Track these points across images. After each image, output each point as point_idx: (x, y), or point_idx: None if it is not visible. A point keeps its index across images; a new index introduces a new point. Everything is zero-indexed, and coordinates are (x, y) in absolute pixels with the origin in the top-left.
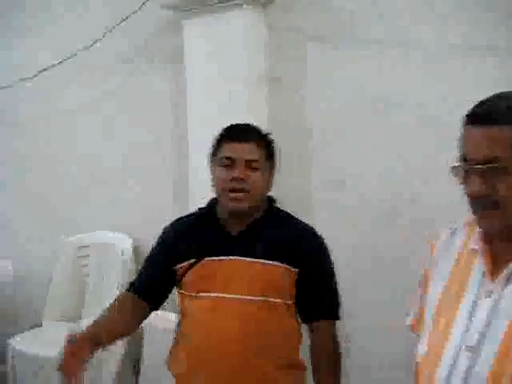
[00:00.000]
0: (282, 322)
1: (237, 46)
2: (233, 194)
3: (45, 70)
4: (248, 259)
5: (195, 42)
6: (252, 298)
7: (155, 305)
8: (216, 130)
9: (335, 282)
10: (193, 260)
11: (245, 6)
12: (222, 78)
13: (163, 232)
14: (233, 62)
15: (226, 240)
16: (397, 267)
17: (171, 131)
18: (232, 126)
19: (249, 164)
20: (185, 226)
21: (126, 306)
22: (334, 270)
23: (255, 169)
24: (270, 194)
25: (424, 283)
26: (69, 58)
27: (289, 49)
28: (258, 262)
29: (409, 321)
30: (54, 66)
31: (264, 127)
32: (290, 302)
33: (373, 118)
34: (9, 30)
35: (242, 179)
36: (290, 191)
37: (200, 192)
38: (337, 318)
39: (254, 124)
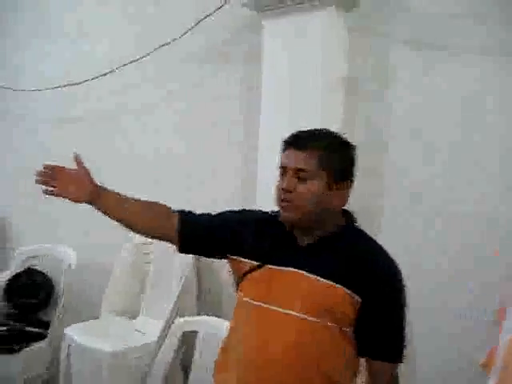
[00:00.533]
0: (336, 347)
1: (315, 49)
2: (282, 204)
3: (124, 65)
4: (309, 275)
5: (273, 43)
6: (304, 316)
7: (183, 245)
8: (286, 134)
9: (403, 320)
10: (256, 263)
11: (327, 8)
12: (297, 80)
13: (250, 212)
14: (310, 64)
15: (293, 250)
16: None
17: (242, 132)
18: (295, 132)
19: (298, 174)
20: (264, 222)
21: (161, 212)
22: (405, 305)
23: (304, 179)
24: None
25: (499, 322)
26: (145, 55)
27: (369, 53)
28: (318, 281)
29: (481, 360)
30: (131, 62)
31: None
32: (347, 329)
33: (459, 127)
34: (85, 25)
35: (288, 190)
36: (361, 204)
37: (268, 196)
38: (397, 361)
39: (328, 129)
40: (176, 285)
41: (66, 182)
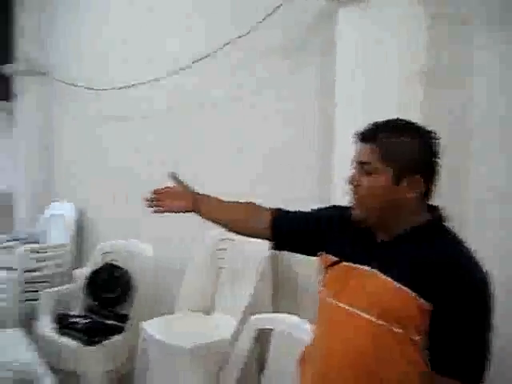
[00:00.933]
0: (399, 354)
1: (393, 38)
2: (351, 200)
3: (199, 60)
4: (381, 275)
5: (348, 33)
6: (368, 316)
7: (277, 241)
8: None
9: (484, 337)
10: (335, 259)
11: None
12: (374, 71)
13: (338, 208)
14: (387, 54)
15: (369, 247)
16: None
17: (316, 127)
18: (369, 124)
19: (363, 168)
20: (347, 218)
21: (255, 211)
22: (489, 321)
23: (368, 173)
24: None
25: None
26: (220, 48)
27: (452, 43)
28: (388, 282)
29: None
30: (207, 56)
31: None
32: (416, 338)
33: None
34: (157, 23)
35: (352, 183)
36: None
37: (345, 194)
38: (468, 382)
39: (404, 120)
40: (251, 281)
41: (170, 199)
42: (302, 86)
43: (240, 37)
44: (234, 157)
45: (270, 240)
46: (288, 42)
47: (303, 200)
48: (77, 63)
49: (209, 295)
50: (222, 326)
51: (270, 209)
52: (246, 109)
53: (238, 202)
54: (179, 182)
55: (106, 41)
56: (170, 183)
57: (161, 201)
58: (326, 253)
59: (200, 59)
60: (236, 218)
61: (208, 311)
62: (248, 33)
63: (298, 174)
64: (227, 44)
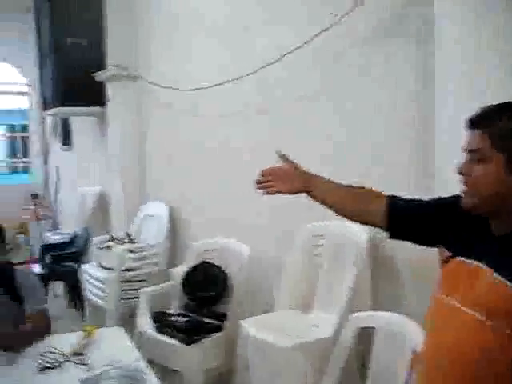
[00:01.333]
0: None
1: (498, 20)
2: (462, 189)
3: (288, 53)
4: (493, 274)
5: (450, 16)
6: (474, 314)
7: (392, 230)
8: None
9: None
10: (449, 253)
11: None
12: (478, 60)
13: (454, 197)
14: (491, 39)
15: (485, 241)
16: None
17: (415, 118)
18: (478, 110)
19: (473, 156)
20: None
21: (369, 196)
22: None
23: (479, 161)
24: None
25: None
26: (309, 40)
27: None
28: (500, 282)
29: None
30: (297, 48)
31: None
32: None
33: None
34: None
35: (462, 173)
36: None
37: (449, 185)
38: None
39: None
40: (349, 276)
41: (279, 179)
42: (397, 75)
43: (326, 30)
44: (338, 149)
45: (383, 227)
46: (380, 30)
47: (400, 192)
48: (164, 65)
49: (307, 292)
50: (321, 323)
51: (387, 195)
52: (339, 100)
53: (351, 185)
54: (288, 161)
55: (191, 40)
56: (278, 163)
57: (270, 182)
58: (443, 245)
59: (290, 52)
60: (350, 202)
61: (307, 308)
62: (338, 22)
63: (397, 167)
64: (316, 36)
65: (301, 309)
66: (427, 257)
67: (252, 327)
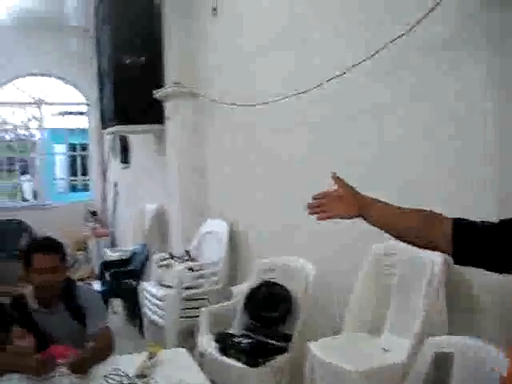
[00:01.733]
0: None
1: None
2: None
3: (356, 65)
4: None
5: None
6: None
7: (458, 255)
8: None
9: None
10: None
11: None
12: None
13: None
14: None
15: None
16: None
17: (487, 129)
18: None
19: None
20: None
21: (432, 219)
22: None
23: None
24: None
25: None
26: (375, 52)
27: None
28: None
29: None
30: (364, 60)
31: None
32: None
33: None
34: (303, 33)
35: None
36: None
37: None
38: None
39: None
40: (422, 298)
41: (334, 203)
42: (468, 82)
43: (397, 38)
44: (390, 159)
45: (449, 253)
46: (454, 37)
47: (476, 205)
48: (221, 81)
49: (377, 314)
50: (393, 347)
51: (452, 218)
52: (408, 110)
53: (412, 209)
54: (342, 184)
55: (251, 54)
56: (332, 186)
57: (324, 206)
58: None
59: (359, 63)
60: (412, 226)
61: (377, 331)
62: (409, 30)
63: (470, 186)
64: (382, 48)
65: (370, 331)
66: (507, 279)
67: (320, 350)
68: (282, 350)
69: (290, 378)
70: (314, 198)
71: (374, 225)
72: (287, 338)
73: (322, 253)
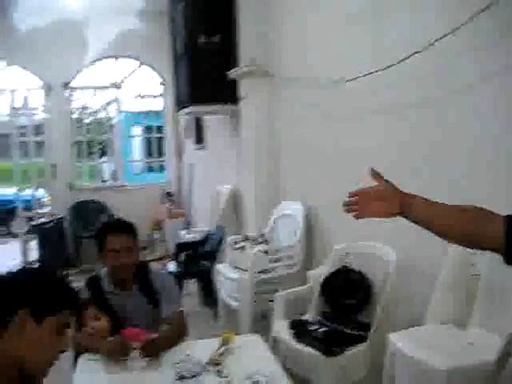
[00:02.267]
0: None
1: None
2: None
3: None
4: None
5: None
6: None
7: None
8: None
9: None
10: None
11: None
12: None
13: None
14: None
15: None
16: None
17: None
18: None
19: None
20: None
21: (480, 217)
22: None
23: None
24: None
25: None
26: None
27: None
28: None
29: None
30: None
31: None
32: None
33: None
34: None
35: None
36: None
37: None
38: None
39: None
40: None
41: (372, 201)
42: None
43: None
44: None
45: (501, 252)
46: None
47: None
48: (298, 60)
49: (463, 306)
50: (480, 343)
51: (504, 216)
52: (456, 107)
53: (458, 206)
54: (381, 181)
55: (323, 33)
56: (371, 183)
57: (362, 203)
58: None
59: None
60: (459, 224)
61: (462, 324)
62: (436, 40)
63: None
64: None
65: (455, 323)
66: None
67: (401, 342)
68: (359, 340)
69: (367, 369)
70: (349, 196)
71: (417, 223)
72: (364, 328)
73: (405, 241)
